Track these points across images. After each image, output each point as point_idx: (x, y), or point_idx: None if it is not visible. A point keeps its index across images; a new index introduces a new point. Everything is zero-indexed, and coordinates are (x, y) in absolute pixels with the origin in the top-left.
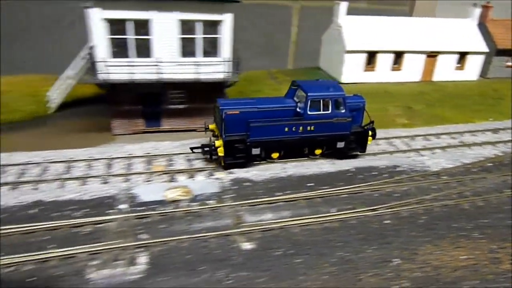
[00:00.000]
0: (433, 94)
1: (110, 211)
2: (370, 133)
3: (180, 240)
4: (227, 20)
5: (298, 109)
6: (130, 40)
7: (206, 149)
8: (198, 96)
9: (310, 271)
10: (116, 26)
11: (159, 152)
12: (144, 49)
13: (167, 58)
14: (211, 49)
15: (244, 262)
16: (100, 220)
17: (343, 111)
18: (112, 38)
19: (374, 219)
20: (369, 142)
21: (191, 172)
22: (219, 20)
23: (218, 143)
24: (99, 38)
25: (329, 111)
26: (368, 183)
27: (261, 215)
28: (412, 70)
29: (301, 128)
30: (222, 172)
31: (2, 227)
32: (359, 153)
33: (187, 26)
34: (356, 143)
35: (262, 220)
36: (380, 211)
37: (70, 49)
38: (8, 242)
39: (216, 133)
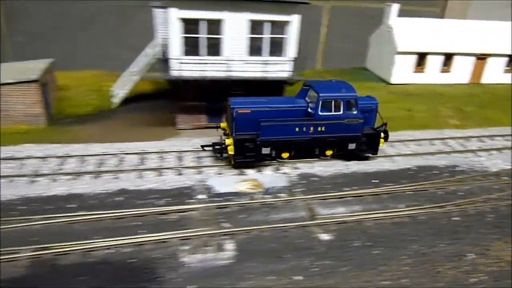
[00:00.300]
0: (483, 96)
1: (190, 200)
2: (382, 135)
3: (262, 229)
4: (294, 21)
5: (309, 110)
6: (202, 38)
7: (217, 147)
8: (258, 94)
9: (390, 262)
10: (190, 25)
11: None
12: (214, 48)
13: (235, 57)
14: (276, 48)
15: (326, 252)
16: (183, 209)
17: (355, 112)
18: (185, 37)
19: (442, 216)
20: (381, 145)
21: (258, 167)
22: (287, 21)
23: (228, 141)
24: (174, 37)
25: (341, 112)
26: (431, 181)
27: (332, 209)
28: (461, 72)
29: (311, 128)
30: (288, 167)
31: (96, 212)
32: (371, 155)
33: (255, 26)
34: (367, 145)
35: (335, 214)
36: (447, 208)
37: (128, 46)
38: (102, 226)
39: (227, 132)
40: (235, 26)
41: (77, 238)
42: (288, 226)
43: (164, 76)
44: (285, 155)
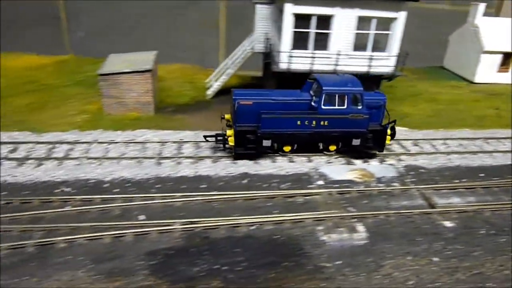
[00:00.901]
0: None
1: (311, 186)
2: (389, 132)
3: (387, 214)
4: (401, 18)
5: (313, 103)
6: (312, 33)
7: (219, 138)
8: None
9: None
10: (301, 20)
11: None
12: (322, 42)
13: (341, 51)
14: (380, 44)
15: (455, 237)
16: (308, 193)
17: (360, 107)
18: (296, 31)
19: None
20: (387, 142)
21: (364, 158)
22: (393, 18)
23: (229, 132)
24: (286, 31)
25: (345, 107)
26: None
27: (448, 199)
28: None
29: (314, 122)
30: (393, 159)
31: (228, 192)
32: (377, 152)
33: (363, 22)
34: (373, 141)
35: (452, 203)
36: None
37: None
38: (237, 205)
39: (230, 123)
40: (344, 22)
41: (219, 215)
42: (412, 212)
43: (275, 68)
44: (287, 148)
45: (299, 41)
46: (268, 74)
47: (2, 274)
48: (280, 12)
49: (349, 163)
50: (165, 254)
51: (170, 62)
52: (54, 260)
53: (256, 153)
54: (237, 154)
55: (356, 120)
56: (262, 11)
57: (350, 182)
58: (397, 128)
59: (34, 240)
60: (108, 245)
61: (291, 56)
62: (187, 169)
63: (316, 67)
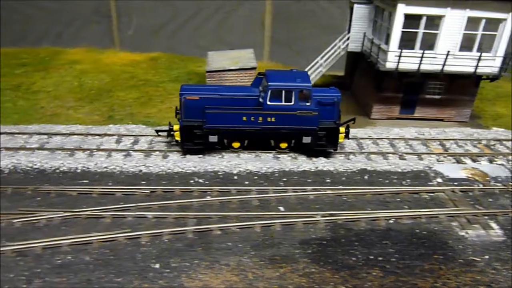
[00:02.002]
0: None
1: (431, 183)
2: (342, 130)
3: None
4: (510, 19)
5: (260, 99)
6: (419, 33)
7: (172, 132)
8: (455, 88)
9: None
10: (411, 20)
11: (430, 137)
12: (429, 42)
13: (448, 52)
14: (486, 44)
15: None
16: (432, 190)
17: (308, 104)
18: (404, 31)
19: None
20: (340, 140)
21: (473, 157)
22: (502, 18)
23: (176, 127)
24: (396, 31)
25: (292, 103)
26: None
27: None
28: None
29: (260, 118)
30: (501, 159)
31: (356, 187)
32: (332, 151)
33: (471, 23)
34: (327, 139)
35: None
36: None
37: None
38: (367, 199)
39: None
40: (453, 22)
41: (354, 208)
42: None
43: (378, 67)
44: (236, 144)
45: (406, 41)
46: (361, 73)
47: (173, 257)
48: (382, 11)
49: (459, 161)
50: (318, 243)
51: None
52: (216, 246)
53: (204, 149)
54: (185, 149)
55: (305, 117)
56: (359, 11)
57: (467, 180)
58: (494, 129)
59: (191, 227)
60: (260, 234)
61: (399, 56)
62: (306, 164)
63: (422, 67)
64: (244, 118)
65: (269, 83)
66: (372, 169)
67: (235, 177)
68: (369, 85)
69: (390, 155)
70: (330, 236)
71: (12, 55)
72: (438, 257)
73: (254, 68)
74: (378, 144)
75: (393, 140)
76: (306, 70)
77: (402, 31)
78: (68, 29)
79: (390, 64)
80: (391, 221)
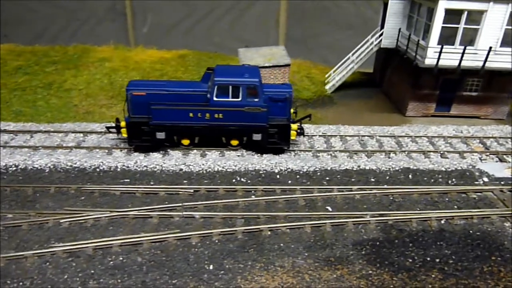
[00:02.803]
0: None
1: (477, 182)
2: (295, 126)
3: None
4: None
5: (208, 95)
6: (460, 28)
7: (120, 129)
8: (493, 85)
9: None
10: (452, 15)
11: (469, 135)
12: (469, 38)
13: (488, 47)
14: None
15: None
16: (479, 189)
17: (257, 100)
18: (444, 27)
19: None
20: (292, 137)
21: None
22: None
23: (123, 123)
24: (436, 26)
25: (239, 99)
26: None
27: None
28: None
29: (207, 115)
30: None
31: (403, 187)
32: (285, 148)
33: None
34: (279, 136)
35: None
36: None
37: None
38: (414, 199)
39: None
40: (495, 17)
41: (402, 208)
42: None
43: (421, 63)
44: (185, 141)
45: (445, 37)
46: (394, 70)
47: (226, 258)
48: (418, 6)
49: (502, 160)
50: (372, 244)
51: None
52: (268, 247)
53: (151, 146)
54: (134, 147)
55: (254, 114)
56: (394, 6)
57: None
58: None
59: (241, 227)
60: (311, 234)
61: (439, 52)
62: (347, 163)
63: (463, 63)
64: (191, 115)
65: (215, 78)
66: (415, 167)
67: (277, 176)
68: (404, 82)
69: (431, 153)
70: (383, 237)
71: (42, 53)
72: (496, 259)
73: (288, 65)
74: (417, 142)
75: (432, 138)
76: (337, 66)
77: (442, 27)
78: (83, 27)
79: (429, 61)
80: (442, 222)
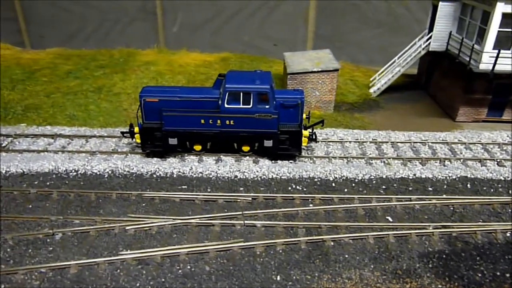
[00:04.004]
0: None
1: None
2: (306, 133)
3: None
4: None
5: (220, 101)
6: None
7: (134, 135)
8: None
9: None
10: (508, 19)
11: None
12: None
13: None
14: None
15: None
16: None
17: (267, 106)
18: (501, 31)
19: None
20: (304, 144)
21: None
22: None
23: (137, 129)
24: (492, 30)
25: (250, 106)
26: None
27: None
28: None
29: (218, 121)
30: None
31: (464, 197)
32: (297, 155)
33: None
34: (290, 143)
35: None
36: None
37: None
38: (476, 211)
39: None
40: None
41: (465, 219)
42: None
43: (471, 68)
44: (197, 147)
45: (500, 41)
46: (442, 73)
47: (292, 269)
48: (471, 9)
49: None
50: (438, 257)
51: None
52: (333, 258)
53: (163, 151)
54: (147, 152)
55: (264, 120)
56: (445, 8)
57: None
58: None
59: (304, 237)
60: (375, 246)
61: (496, 57)
62: (402, 170)
63: None
64: (202, 121)
65: (226, 85)
66: (473, 176)
67: (333, 184)
68: (454, 86)
69: (487, 161)
70: (448, 249)
71: (90, 57)
72: None
73: (337, 70)
74: (472, 149)
75: (487, 145)
76: (383, 69)
77: (498, 31)
78: (116, 26)
79: (484, 66)
80: (508, 234)
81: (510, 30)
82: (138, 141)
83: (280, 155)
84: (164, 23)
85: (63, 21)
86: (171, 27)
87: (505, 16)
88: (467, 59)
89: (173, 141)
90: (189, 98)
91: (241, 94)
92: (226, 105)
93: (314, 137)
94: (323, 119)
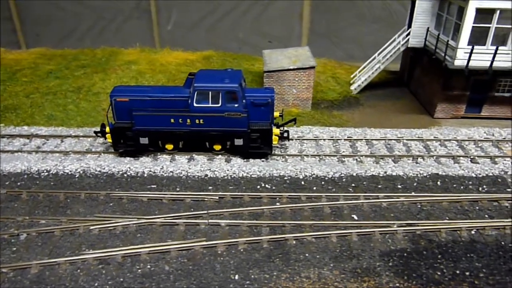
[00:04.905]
0: None
1: (509, 189)
2: (277, 131)
3: None
4: None
5: (189, 101)
6: (491, 28)
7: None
8: None
9: None
10: (483, 15)
11: (501, 138)
12: (501, 38)
13: None
14: None
15: None
16: None
17: (237, 105)
18: (475, 27)
19: None
20: (275, 142)
21: None
22: None
23: (108, 129)
24: (466, 26)
25: (219, 105)
26: None
27: None
28: None
29: (188, 120)
30: None
31: (432, 194)
32: (269, 153)
33: None
34: (262, 141)
35: None
36: None
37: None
38: (443, 208)
39: None
40: None
41: (432, 217)
42: None
43: (447, 65)
44: (169, 146)
45: (476, 37)
46: (422, 70)
47: (252, 268)
48: (448, 5)
49: None
50: (399, 255)
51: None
52: (294, 257)
53: (135, 150)
54: (119, 151)
55: (234, 119)
56: (423, 4)
57: None
58: None
59: (266, 236)
60: (337, 244)
61: (470, 53)
62: (374, 168)
63: (495, 64)
64: (172, 120)
65: (195, 84)
66: (445, 174)
67: (302, 182)
68: (433, 83)
69: (461, 158)
70: (411, 247)
71: (72, 57)
72: None
73: (313, 67)
74: (447, 146)
75: (462, 141)
76: (363, 66)
77: (473, 27)
78: (110, 25)
79: (459, 62)
80: (473, 232)
81: (485, 25)
82: (110, 140)
83: (252, 154)
84: (159, 21)
85: (58, 20)
86: (166, 26)
87: (480, 11)
88: (443, 55)
89: (144, 140)
90: (159, 97)
91: (210, 93)
92: (195, 104)
93: (286, 135)
94: (295, 118)
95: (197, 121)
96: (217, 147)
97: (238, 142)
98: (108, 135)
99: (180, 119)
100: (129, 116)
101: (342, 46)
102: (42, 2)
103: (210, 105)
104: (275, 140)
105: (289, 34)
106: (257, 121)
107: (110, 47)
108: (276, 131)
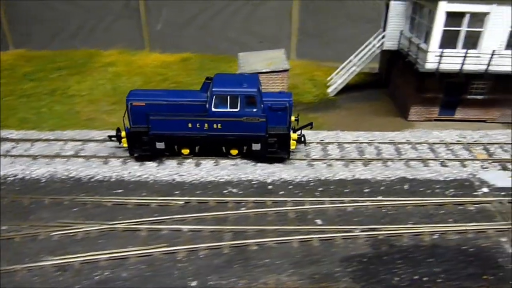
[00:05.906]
0: None
1: (476, 193)
2: (295, 136)
3: None
4: None
5: (207, 105)
6: (462, 31)
7: (121, 138)
8: (500, 88)
9: None
10: (453, 18)
11: (473, 140)
12: (472, 41)
13: (492, 50)
14: None
15: None
16: (478, 201)
17: (255, 110)
18: (445, 30)
19: None
20: (292, 147)
21: None
22: None
23: (124, 133)
24: (436, 30)
25: (237, 109)
26: None
27: None
28: None
29: (206, 125)
30: None
31: (397, 198)
32: (286, 158)
33: None
34: (279, 146)
35: None
36: None
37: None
38: (409, 213)
39: None
40: (499, 19)
41: (396, 222)
42: None
43: (421, 68)
44: (185, 151)
45: (447, 40)
46: (398, 72)
47: (210, 274)
48: (420, 8)
49: (505, 168)
50: (359, 261)
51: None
52: (254, 263)
53: (151, 155)
54: (133, 156)
55: (252, 124)
56: (396, 7)
57: None
58: None
59: (228, 242)
60: (298, 249)
61: (440, 56)
62: (342, 172)
63: (465, 67)
64: (190, 125)
65: (213, 89)
66: (413, 177)
67: (270, 187)
68: (407, 85)
69: (431, 161)
70: (371, 252)
71: (48, 59)
72: (488, 278)
73: (286, 71)
74: (417, 149)
75: (433, 144)
76: (339, 68)
77: (444, 30)
78: (100, 24)
79: (430, 65)
80: (435, 236)
81: (455, 29)
82: (125, 145)
83: (269, 158)
84: (148, 21)
85: (48, 20)
86: (155, 25)
87: (450, 14)
88: (415, 58)
89: (160, 145)
90: (176, 101)
91: (228, 97)
92: (213, 109)
93: (303, 139)
94: (311, 122)
95: (214, 125)
96: (234, 151)
97: (256, 147)
98: (124, 140)
99: (197, 124)
100: (145, 120)
101: (334, 46)
102: (29, 2)
103: (228, 109)
104: (293, 144)
105: (279, 34)
106: (274, 125)
107: (96, 48)
108: (294, 135)
